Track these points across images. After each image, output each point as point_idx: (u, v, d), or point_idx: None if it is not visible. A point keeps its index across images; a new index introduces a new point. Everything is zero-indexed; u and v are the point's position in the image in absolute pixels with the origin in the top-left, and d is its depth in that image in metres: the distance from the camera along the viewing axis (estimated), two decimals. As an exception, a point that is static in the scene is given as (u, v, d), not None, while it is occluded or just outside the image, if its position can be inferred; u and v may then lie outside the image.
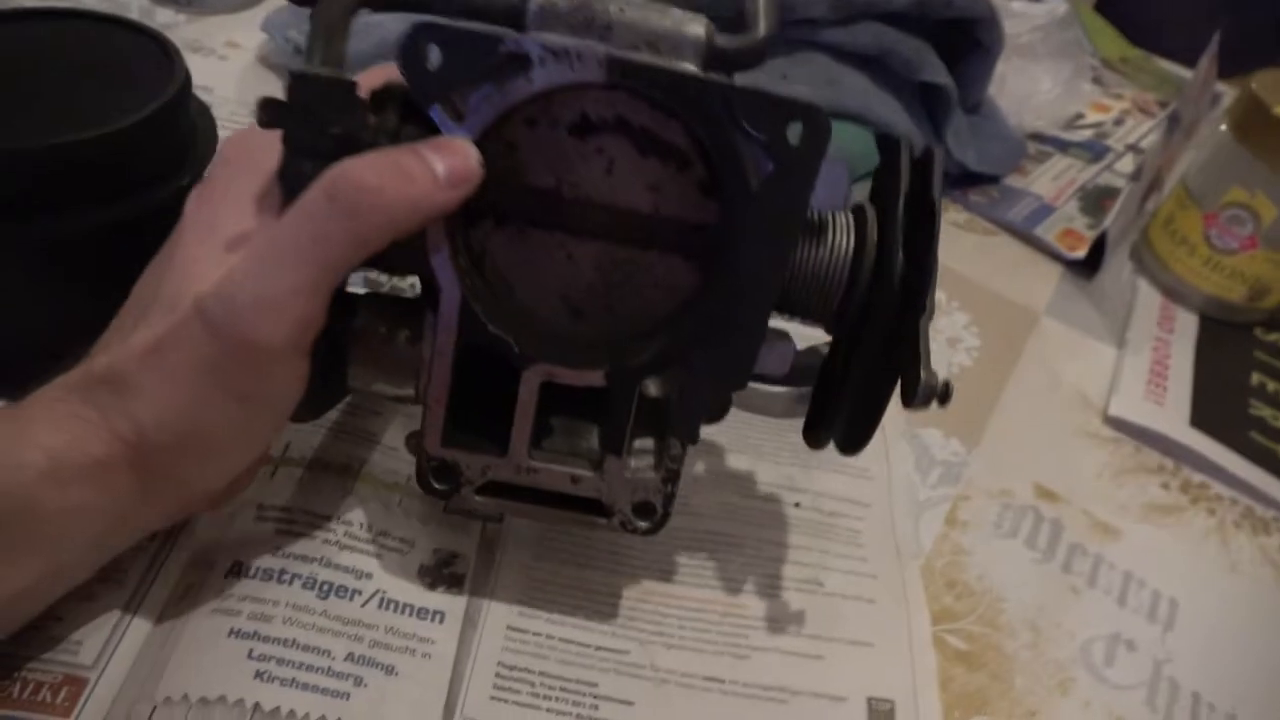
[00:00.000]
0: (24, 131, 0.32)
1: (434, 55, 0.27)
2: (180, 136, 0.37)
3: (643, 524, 0.34)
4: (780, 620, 0.37)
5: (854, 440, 0.34)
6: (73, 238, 0.35)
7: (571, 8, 0.27)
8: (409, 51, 0.27)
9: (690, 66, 0.28)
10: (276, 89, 0.26)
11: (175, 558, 0.34)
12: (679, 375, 0.31)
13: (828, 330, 0.34)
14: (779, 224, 0.29)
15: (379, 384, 0.32)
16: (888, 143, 0.32)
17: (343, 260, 0.27)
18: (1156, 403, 0.52)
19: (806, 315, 0.33)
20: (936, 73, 0.60)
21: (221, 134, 0.40)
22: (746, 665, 0.36)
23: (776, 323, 0.32)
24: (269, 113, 0.27)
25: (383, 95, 0.28)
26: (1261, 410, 0.53)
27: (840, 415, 0.34)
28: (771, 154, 0.28)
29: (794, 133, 0.28)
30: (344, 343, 0.31)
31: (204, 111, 0.39)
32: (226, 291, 0.26)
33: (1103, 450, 0.49)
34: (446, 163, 0.27)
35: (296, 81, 0.27)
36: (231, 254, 0.27)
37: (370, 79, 0.28)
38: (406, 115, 0.28)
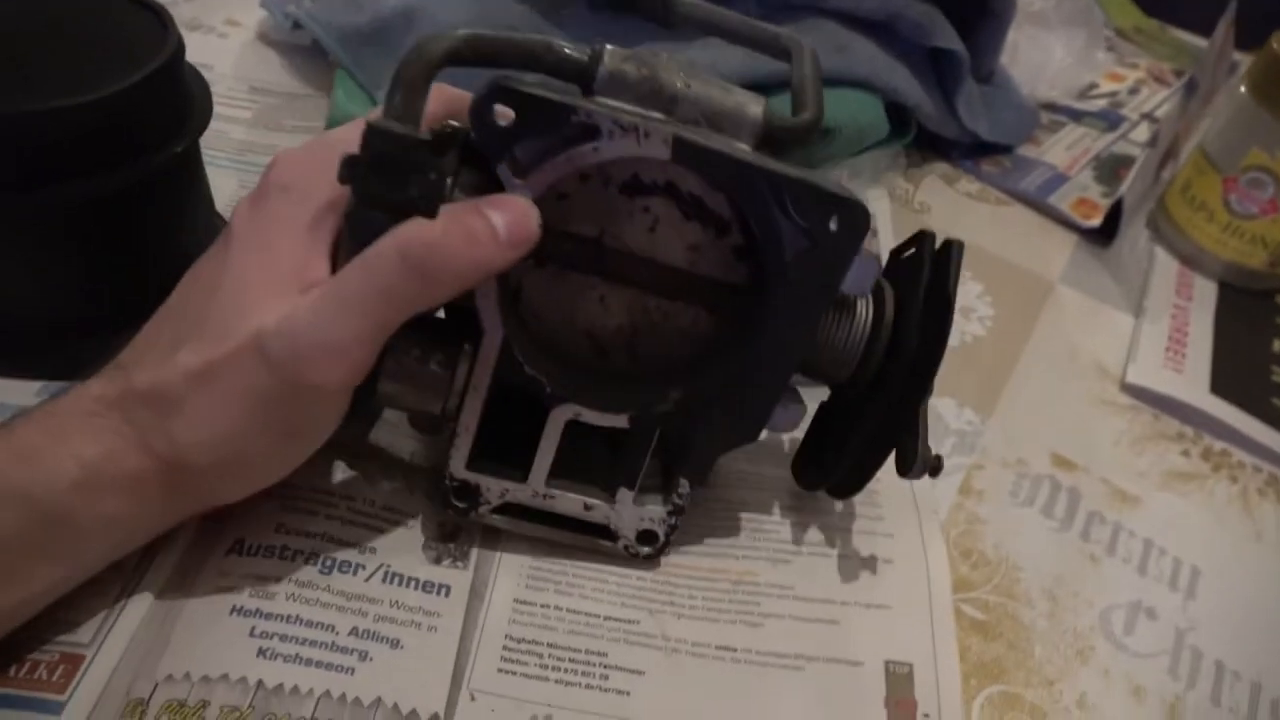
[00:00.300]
0: (19, 99, 0.32)
1: (506, 116, 0.27)
2: (176, 101, 0.37)
3: (645, 549, 0.36)
4: (794, 586, 0.37)
5: (846, 490, 0.37)
6: (72, 205, 0.34)
7: (640, 78, 0.28)
8: (481, 108, 0.27)
9: (745, 145, 0.29)
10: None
11: (175, 537, 0.33)
12: (695, 424, 0.33)
13: (833, 392, 0.36)
14: (809, 301, 0.31)
15: (406, 402, 0.32)
16: (918, 235, 0.35)
17: (405, 314, 0.28)
18: (1175, 370, 0.51)
19: (817, 380, 0.34)
20: (948, 38, 0.58)
21: (218, 108, 0.39)
22: (759, 633, 0.35)
23: None
24: (349, 169, 0.27)
25: (444, 138, 0.28)
26: (1283, 377, 0.52)
27: (835, 472, 0.36)
28: (811, 238, 0.29)
29: (834, 223, 0.29)
30: (377, 363, 0.31)
31: (199, 79, 0.39)
32: (289, 330, 0.27)
33: (1120, 418, 0.48)
34: (509, 225, 0.27)
35: (373, 135, 0.26)
36: (289, 289, 0.28)
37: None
38: (465, 158, 0.29)
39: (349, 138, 0.27)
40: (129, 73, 0.34)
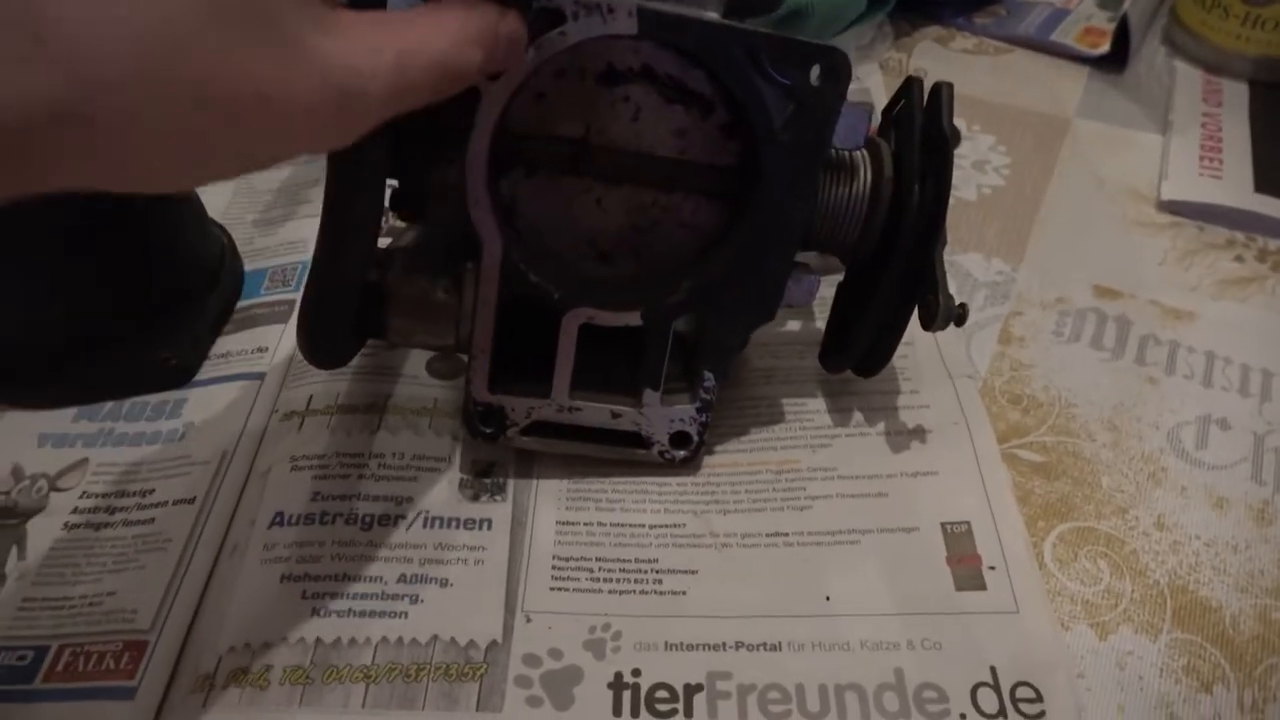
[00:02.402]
0: None
1: None
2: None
3: (680, 453, 0.35)
4: (836, 467, 0.36)
5: (872, 366, 0.36)
6: (74, 225, 0.35)
7: None
8: None
9: (713, 15, 0.28)
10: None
11: (215, 520, 0.34)
12: (710, 312, 0.32)
13: (844, 261, 0.35)
14: (802, 164, 0.30)
15: (420, 335, 0.32)
16: (904, 84, 0.34)
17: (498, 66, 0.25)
18: (1214, 176, 0.48)
19: (825, 249, 0.33)
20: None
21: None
22: (809, 515, 0.34)
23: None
24: None
25: None
26: (1335, 163, 0.49)
27: (859, 344, 0.35)
28: (794, 97, 0.29)
29: (815, 75, 0.28)
30: (382, 296, 0.32)
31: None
32: (395, 62, 0.21)
33: (1162, 237, 0.46)
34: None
35: None
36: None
37: None
38: None
39: None
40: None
